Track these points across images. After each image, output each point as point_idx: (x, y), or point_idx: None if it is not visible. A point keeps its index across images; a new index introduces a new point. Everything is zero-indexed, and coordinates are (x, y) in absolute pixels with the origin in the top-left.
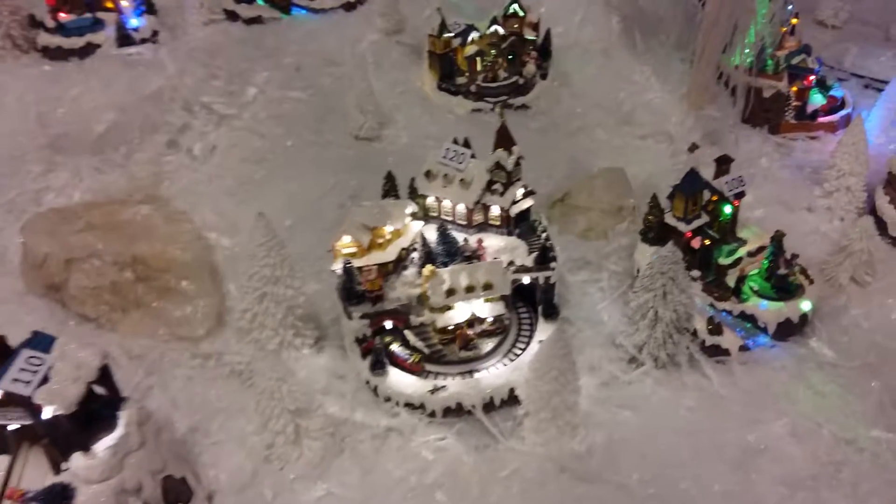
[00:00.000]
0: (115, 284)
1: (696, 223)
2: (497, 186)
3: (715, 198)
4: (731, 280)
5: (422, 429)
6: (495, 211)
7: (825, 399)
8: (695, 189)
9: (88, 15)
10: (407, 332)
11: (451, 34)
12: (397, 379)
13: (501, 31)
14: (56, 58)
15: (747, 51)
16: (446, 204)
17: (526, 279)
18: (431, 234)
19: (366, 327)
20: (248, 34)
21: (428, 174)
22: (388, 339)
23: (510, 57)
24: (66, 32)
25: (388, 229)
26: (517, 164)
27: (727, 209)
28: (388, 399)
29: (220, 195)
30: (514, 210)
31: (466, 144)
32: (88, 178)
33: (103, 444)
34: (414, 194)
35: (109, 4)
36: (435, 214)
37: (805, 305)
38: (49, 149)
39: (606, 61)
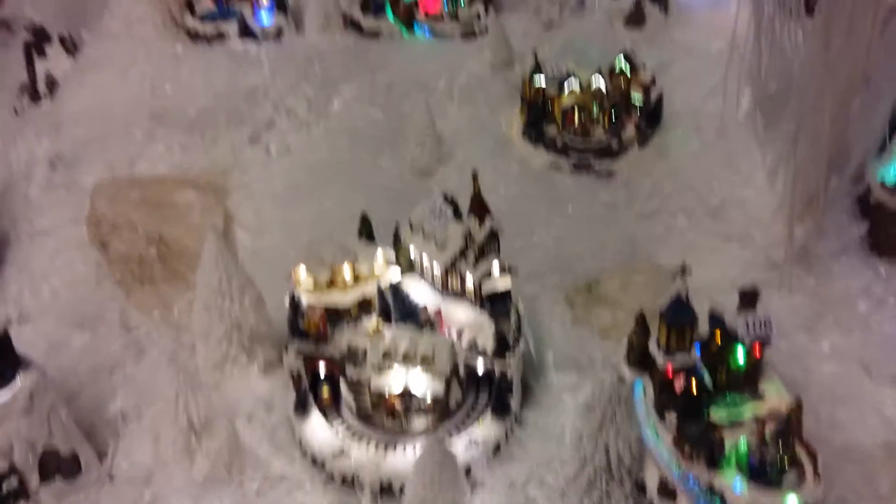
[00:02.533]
0: (140, 257)
1: (682, 360)
2: (469, 255)
3: (719, 332)
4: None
5: (309, 487)
6: (470, 282)
7: None
8: (680, 320)
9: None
10: (341, 382)
11: (543, 82)
12: (313, 429)
13: (603, 86)
14: (195, 40)
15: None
16: (425, 261)
17: (480, 366)
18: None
19: (301, 365)
20: (356, 46)
21: (411, 225)
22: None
23: (613, 117)
24: (203, 18)
25: (346, 271)
26: (493, 236)
27: (740, 354)
28: (300, 443)
29: (267, 196)
30: (487, 286)
31: (454, 203)
32: (177, 154)
33: None
34: (397, 242)
35: None
36: (418, 268)
37: (791, 501)
38: (154, 120)
39: (718, 141)
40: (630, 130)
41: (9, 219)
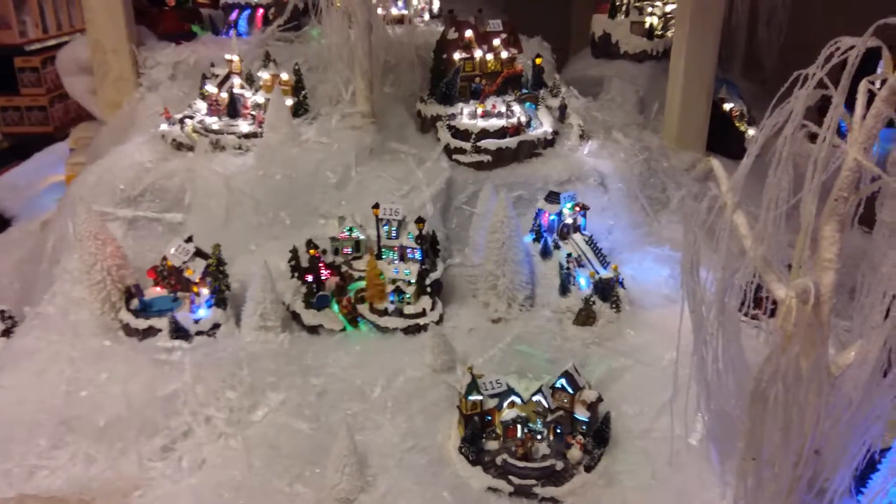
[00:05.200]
0: None
1: None
2: None
3: None
4: None
5: None
6: None
7: None
8: None
9: (172, 295)
10: None
11: (480, 397)
12: None
13: (545, 403)
14: (129, 334)
15: None
16: None
17: None
18: None
19: None
20: (292, 346)
21: None
22: None
23: (558, 432)
24: (136, 312)
25: None
26: None
27: None
28: None
29: None
30: None
31: None
32: (80, 465)
33: None
34: None
35: (195, 289)
36: None
37: None
38: (63, 426)
39: (669, 472)
40: (576, 451)
41: None
